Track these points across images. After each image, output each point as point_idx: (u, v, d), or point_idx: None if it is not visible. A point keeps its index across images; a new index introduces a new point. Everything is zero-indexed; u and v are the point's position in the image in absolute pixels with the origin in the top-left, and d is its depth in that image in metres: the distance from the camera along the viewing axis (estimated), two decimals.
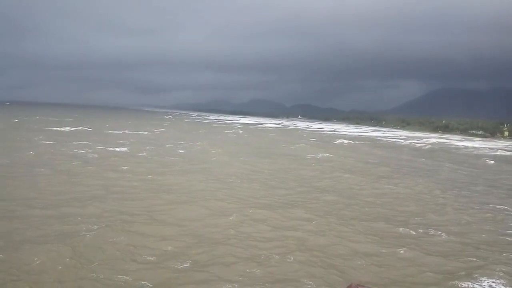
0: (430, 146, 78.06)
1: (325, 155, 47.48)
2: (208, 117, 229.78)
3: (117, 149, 41.82)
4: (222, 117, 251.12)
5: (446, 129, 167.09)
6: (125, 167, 30.53)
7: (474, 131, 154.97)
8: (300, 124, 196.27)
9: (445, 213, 22.02)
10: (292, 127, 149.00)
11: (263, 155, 44.98)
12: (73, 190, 22.32)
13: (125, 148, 42.84)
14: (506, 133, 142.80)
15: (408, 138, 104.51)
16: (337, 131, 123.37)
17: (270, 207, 20.88)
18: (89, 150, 38.93)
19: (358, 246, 15.68)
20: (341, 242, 16.11)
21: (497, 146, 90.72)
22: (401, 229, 18.33)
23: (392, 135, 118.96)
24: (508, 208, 24.07)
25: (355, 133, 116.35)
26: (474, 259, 15.03)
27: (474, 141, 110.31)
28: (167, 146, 48.52)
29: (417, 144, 79.67)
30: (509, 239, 17.98)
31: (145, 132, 70.43)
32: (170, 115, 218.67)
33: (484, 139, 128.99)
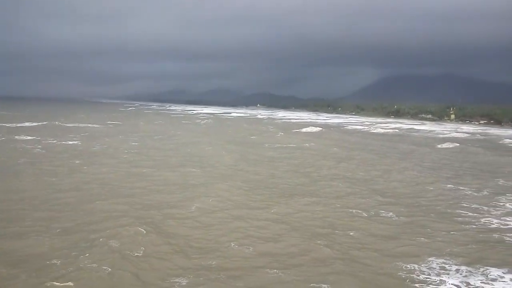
0: (395, 130, 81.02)
1: (309, 144, 48.53)
2: (170, 108, 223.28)
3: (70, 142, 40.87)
4: (182, 107, 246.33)
5: (398, 113, 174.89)
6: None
7: (423, 115, 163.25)
8: (263, 112, 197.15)
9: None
10: (260, 116, 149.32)
11: (248, 145, 45.60)
12: None
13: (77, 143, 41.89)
14: (453, 116, 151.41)
15: (371, 124, 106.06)
16: (303, 119, 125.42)
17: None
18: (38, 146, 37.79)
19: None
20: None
21: (447, 129, 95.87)
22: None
23: (354, 121, 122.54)
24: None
25: (319, 121, 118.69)
26: None
27: (425, 124, 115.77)
28: (156, 138, 47.82)
29: (381, 130, 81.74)
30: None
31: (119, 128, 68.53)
32: (132, 107, 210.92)
33: (433, 122, 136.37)
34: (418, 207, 21.10)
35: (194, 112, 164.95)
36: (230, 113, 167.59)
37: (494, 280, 12.65)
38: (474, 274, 13.01)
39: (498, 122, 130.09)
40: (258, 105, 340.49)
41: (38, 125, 62.45)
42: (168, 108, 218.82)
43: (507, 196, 23.74)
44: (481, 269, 13.33)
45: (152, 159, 33.49)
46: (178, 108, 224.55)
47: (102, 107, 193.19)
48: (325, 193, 23.39)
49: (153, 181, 24.92)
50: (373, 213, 19.50)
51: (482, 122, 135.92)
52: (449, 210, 20.56)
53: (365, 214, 19.21)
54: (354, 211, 19.66)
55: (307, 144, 48.36)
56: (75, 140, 43.82)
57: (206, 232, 16.19)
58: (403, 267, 13.40)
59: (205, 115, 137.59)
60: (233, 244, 14.83)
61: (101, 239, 14.53)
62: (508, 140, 64.36)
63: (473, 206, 21.42)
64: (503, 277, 12.84)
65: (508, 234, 16.93)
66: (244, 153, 39.16)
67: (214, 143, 46.24)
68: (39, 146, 38.05)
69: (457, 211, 20.44)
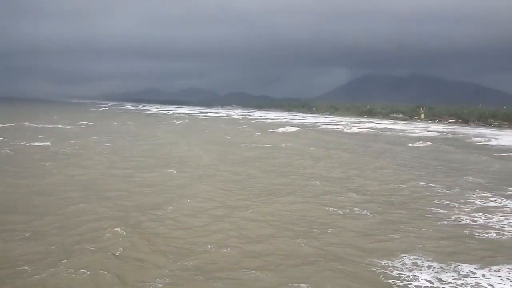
0: (369, 130, 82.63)
1: (285, 144, 48.92)
2: (144, 108, 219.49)
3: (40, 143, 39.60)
4: (157, 107, 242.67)
5: (371, 113, 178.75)
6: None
7: (395, 115, 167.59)
8: (239, 112, 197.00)
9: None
10: (236, 116, 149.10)
11: (226, 145, 45.50)
12: None
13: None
14: (423, 116, 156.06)
15: (345, 124, 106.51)
16: (279, 119, 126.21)
17: None
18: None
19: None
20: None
21: (420, 127, 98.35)
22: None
23: (329, 120, 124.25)
24: None
25: (295, 120, 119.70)
26: None
27: (397, 124, 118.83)
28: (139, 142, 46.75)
29: (356, 130, 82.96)
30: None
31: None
32: (104, 107, 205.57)
33: (404, 121, 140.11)
34: (392, 204, 21.66)
35: (169, 112, 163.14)
36: (206, 113, 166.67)
37: (466, 276, 12.94)
38: (445, 270, 13.29)
39: (465, 121, 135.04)
40: (234, 105, 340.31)
41: (6, 126, 60.20)
42: (142, 108, 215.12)
43: (477, 192, 24.66)
44: (453, 265, 13.66)
45: (129, 161, 32.92)
46: (153, 108, 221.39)
47: (73, 107, 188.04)
48: (303, 192, 23.65)
49: (131, 183, 24.52)
50: (348, 210, 19.88)
51: (450, 121, 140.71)
52: (421, 207, 21.19)
53: (340, 212, 19.56)
54: (330, 209, 19.98)
55: (283, 144, 48.72)
56: (45, 142, 42.56)
57: (186, 233, 16.09)
58: (377, 263, 13.67)
59: (180, 115, 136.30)
60: (211, 246, 14.78)
61: (78, 244, 14.19)
62: (475, 138, 67.00)
63: (444, 203, 22.15)
64: (475, 272, 13.18)
65: (478, 230, 17.62)
66: (222, 153, 39.11)
67: (191, 143, 45.95)
68: (7, 148, 36.72)
69: (429, 208, 21.10)
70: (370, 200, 22.17)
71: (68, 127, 65.08)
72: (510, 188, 26.22)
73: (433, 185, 26.82)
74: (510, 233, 17.22)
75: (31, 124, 62.55)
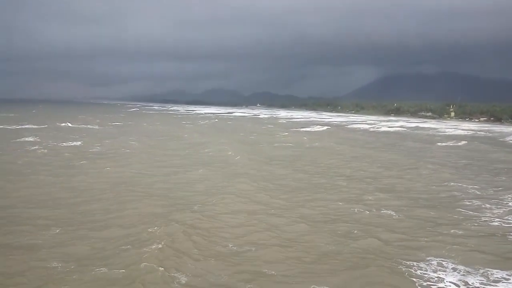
0: (399, 129, 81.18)
1: (320, 143, 48.95)
2: (172, 108, 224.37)
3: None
4: (184, 107, 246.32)
5: (398, 112, 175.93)
6: None
7: (423, 113, 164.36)
8: (264, 112, 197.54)
9: None
10: (262, 116, 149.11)
11: (259, 145, 46.44)
12: None
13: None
14: (453, 114, 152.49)
15: (374, 122, 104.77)
16: (306, 118, 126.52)
17: None
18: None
19: None
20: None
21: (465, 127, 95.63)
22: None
23: (355, 119, 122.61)
24: None
25: (323, 120, 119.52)
26: None
27: (427, 122, 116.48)
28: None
29: (387, 129, 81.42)
30: None
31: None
32: (134, 107, 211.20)
33: (433, 120, 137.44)
34: (425, 204, 21.88)
35: (196, 112, 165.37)
36: (232, 112, 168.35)
37: (496, 282, 12.05)
38: (473, 274, 12.64)
39: (498, 119, 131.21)
40: (258, 104, 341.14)
41: (40, 127, 63.12)
42: (170, 108, 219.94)
43: None
44: (481, 270, 12.84)
45: (162, 160, 34.31)
46: (180, 108, 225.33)
47: (104, 108, 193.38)
48: (338, 191, 24.23)
49: (168, 183, 25.75)
50: (404, 209, 20.34)
51: (482, 119, 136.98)
52: (457, 208, 21.16)
53: (393, 214, 19.75)
54: (383, 211, 20.26)
55: (317, 143, 49.13)
56: (78, 141, 44.62)
57: (238, 231, 16.77)
58: (403, 263, 13.52)
59: (209, 115, 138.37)
60: (253, 246, 15.22)
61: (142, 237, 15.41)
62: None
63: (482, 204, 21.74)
64: (508, 279, 12.19)
65: None
66: (258, 152, 39.93)
67: (227, 143, 46.90)
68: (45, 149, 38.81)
69: (460, 209, 21.04)
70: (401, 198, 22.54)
71: (99, 127, 67.39)
72: None
73: (469, 186, 26.03)
74: None
75: (64, 124, 65.34)
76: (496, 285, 11.59)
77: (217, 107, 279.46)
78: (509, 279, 11.85)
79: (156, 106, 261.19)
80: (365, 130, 77.48)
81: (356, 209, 20.16)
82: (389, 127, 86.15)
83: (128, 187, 23.68)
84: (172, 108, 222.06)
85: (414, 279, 12.08)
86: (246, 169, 30.66)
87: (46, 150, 36.69)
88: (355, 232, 16.86)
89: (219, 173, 28.80)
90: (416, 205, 21.45)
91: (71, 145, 41.40)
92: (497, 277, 12.06)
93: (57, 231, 15.92)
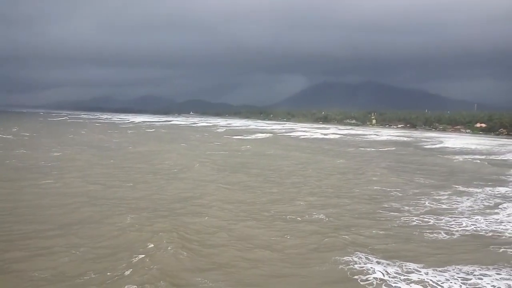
0: (338, 135, 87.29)
1: (271, 151, 50.60)
2: (102, 117, 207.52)
3: None
4: (113, 115, 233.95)
5: (326, 119, 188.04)
6: None
7: (348, 121, 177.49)
8: (200, 120, 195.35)
9: None
10: (201, 124, 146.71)
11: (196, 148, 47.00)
12: None
13: None
14: (374, 121, 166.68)
15: (309, 130, 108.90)
16: (244, 126, 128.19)
17: None
18: None
19: None
20: None
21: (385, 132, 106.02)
22: None
23: (295, 127, 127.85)
24: None
25: (259, 127, 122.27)
26: None
27: (354, 129, 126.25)
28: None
29: (321, 136, 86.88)
30: None
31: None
32: (59, 117, 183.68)
33: (357, 127, 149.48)
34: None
35: (126, 121, 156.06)
36: (170, 121, 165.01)
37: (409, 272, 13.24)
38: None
39: (413, 125, 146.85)
40: (191, 112, 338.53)
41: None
42: (100, 117, 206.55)
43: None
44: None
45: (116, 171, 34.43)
46: (109, 116, 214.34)
47: (24, 117, 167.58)
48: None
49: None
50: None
51: (399, 126, 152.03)
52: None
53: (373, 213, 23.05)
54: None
55: (269, 151, 50.58)
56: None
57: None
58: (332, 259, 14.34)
59: (146, 123, 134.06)
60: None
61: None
62: (425, 141, 74.85)
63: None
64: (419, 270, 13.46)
65: None
66: (213, 161, 40.96)
67: (183, 153, 45.58)
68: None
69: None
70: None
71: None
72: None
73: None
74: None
75: None
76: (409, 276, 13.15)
77: (148, 115, 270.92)
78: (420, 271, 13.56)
79: (83, 115, 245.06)
80: (305, 138, 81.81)
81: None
82: (324, 134, 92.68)
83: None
84: (102, 117, 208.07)
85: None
86: (212, 177, 30.20)
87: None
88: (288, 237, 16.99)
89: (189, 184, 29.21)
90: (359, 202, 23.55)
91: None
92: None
93: None
